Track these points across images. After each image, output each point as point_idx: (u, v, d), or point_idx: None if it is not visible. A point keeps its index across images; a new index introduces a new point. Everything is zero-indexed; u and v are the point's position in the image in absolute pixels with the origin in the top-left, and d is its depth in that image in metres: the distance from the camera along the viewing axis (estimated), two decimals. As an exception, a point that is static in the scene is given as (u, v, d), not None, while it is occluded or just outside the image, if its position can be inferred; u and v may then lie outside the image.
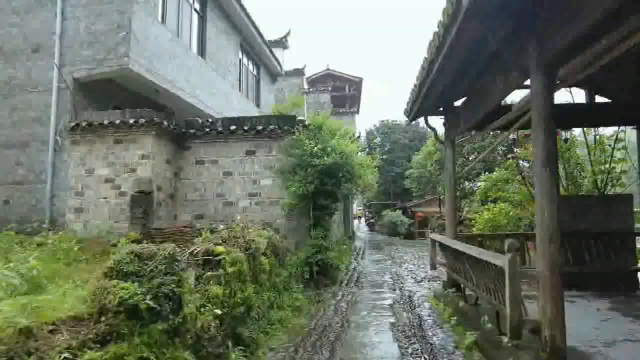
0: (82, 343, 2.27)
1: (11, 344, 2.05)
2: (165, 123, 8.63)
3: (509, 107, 5.48)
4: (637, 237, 7.06)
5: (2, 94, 9.14)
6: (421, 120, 7.38)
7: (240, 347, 4.11)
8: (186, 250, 4.19)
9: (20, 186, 8.85)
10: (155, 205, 8.39)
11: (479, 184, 17.21)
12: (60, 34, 8.85)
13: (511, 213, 10.16)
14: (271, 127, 9.18)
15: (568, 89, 7.51)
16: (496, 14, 3.70)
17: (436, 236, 7.37)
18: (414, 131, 34.58)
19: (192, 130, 9.32)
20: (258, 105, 16.63)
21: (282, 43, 20.06)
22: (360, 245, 19.96)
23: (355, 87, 31.13)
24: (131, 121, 8.31)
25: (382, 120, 37.62)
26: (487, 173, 15.31)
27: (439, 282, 8.57)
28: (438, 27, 4.09)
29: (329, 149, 8.49)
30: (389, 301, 7.27)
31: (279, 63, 17.79)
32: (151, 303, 2.56)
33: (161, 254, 2.83)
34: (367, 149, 23.37)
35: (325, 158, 8.30)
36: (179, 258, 2.96)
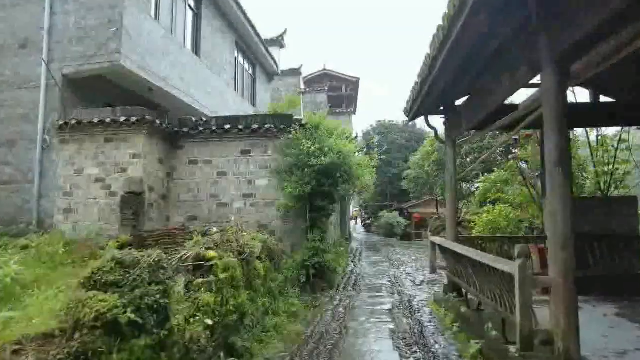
0: (52, 364, 2.03)
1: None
2: (158, 121, 8.37)
3: (513, 106, 5.29)
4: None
5: (-12, 91, 8.83)
6: (418, 121, 7.22)
7: (233, 358, 3.89)
8: (176, 255, 3.95)
9: (7, 186, 8.55)
10: (147, 207, 8.13)
11: (477, 185, 17.07)
12: (49, 29, 8.56)
13: (511, 215, 9.99)
14: (267, 126, 8.95)
15: (570, 88, 7.37)
16: (504, 7, 3.52)
17: (436, 239, 7.17)
18: (411, 132, 34.44)
19: (185, 129, 9.06)
20: (254, 104, 16.39)
21: (278, 42, 19.84)
22: (357, 247, 19.78)
23: (352, 87, 30.99)
24: (122, 119, 8.05)
25: (379, 120, 37.39)
26: (485, 174, 15.16)
27: (438, 285, 8.39)
28: (443, 20, 3.89)
29: (327, 148, 8.27)
30: (388, 306, 7.06)
31: (275, 62, 17.56)
32: (133, 316, 2.33)
33: (145, 261, 2.59)
34: (365, 149, 23.16)
35: (323, 158, 8.09)
36: (165, 265, 2.72)
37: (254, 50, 15.78)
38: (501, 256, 5.24)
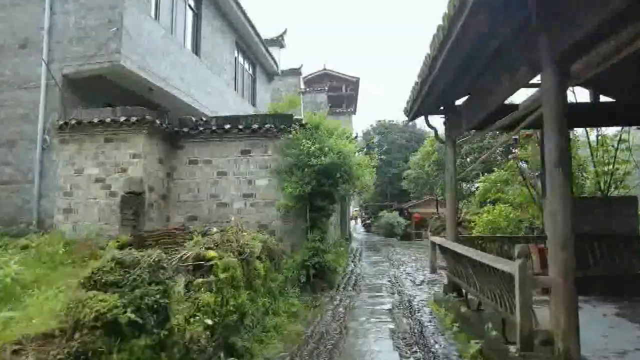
0: (52, 364, 2.02)
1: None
2: (158, 121, 8.37)
3: (513, 106, 5.29)
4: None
5: (-12, 91, 8.83)
6: (418, 121, 7.22)
7: (233, 358, 3.88)
8: (176, 255, 3.95)
9: (7, 186, 8.54)
10: (147, 207, 8.13)
11: (476, 185, 17.06)
12: (49, 28, 8.56)
13: (511, 215, 9.99)
14: (267, 126, 8.94)
15: (570, 88, 7.37)
16: (504, 7, 3.52)
17: (436, 239, 7.17)
18: (411, 132, 34.43)
19: (185, 129, 9.06)
20: (254, 104, 16.38)
21: (278, 42, 19.83)
22: (357, 247, 19.78)
23: (352, 87, 30.97)
24: (122, 119, 8.04)
25: (379, 120, 37.38)
26: (485, 174, 15.16)
27: (438, 285, 8.39)
28: (443, 20, 3.89)
29: (327, 148, 8.27)
30: (388, 306, 7.06)
31: (275, 62, 17.55)
32: (133, 316, 2.32)
33: (145, 261, 2.59)
34: (365, 149, 23.15)
35: (323, 158, 8.08)
36: (165, 265, 2.72)
37: (254, 50, 15.77)
38: (501, 256, 5.24)
